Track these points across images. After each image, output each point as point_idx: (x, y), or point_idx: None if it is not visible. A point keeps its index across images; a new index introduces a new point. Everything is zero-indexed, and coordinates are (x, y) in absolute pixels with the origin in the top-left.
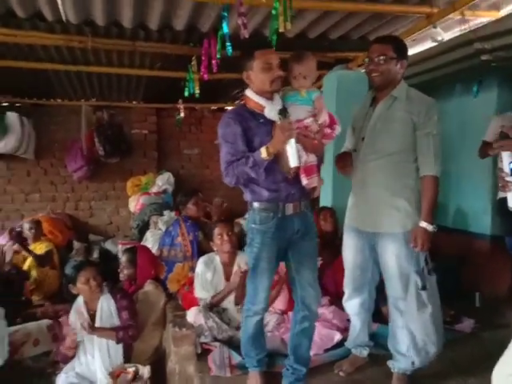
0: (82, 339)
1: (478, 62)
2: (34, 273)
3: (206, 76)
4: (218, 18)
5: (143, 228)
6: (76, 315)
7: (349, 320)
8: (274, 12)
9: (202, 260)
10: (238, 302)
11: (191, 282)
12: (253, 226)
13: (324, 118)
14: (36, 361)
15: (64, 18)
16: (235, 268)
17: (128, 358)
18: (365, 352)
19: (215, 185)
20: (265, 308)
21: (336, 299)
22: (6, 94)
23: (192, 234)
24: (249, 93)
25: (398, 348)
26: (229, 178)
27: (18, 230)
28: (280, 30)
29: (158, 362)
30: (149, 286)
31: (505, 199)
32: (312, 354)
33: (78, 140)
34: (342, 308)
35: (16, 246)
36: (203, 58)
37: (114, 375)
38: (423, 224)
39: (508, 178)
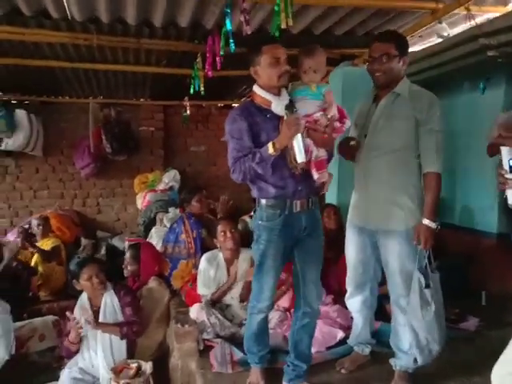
0: (86, 334)
1: (484, 58)
2: (40, 268)
3: (210, 73)
4: (221, 14)
5: (149, 225)
6: (80, 311)
7: (352, 318)
8: (276, 8)
9: (205, 257)
10: (244, 298)
11: (195, 279)
12: (260, 222)
13: (334, 111)
14: (41, 356)
15: (69, 16)
16: (240, 265)
17: (132, 353)
18: (367, 350)
19: (222, 182)
20: (270, 306)
21: (340, 297)
22: (15, 91)
23: (196, 231)
24: (256, 88)
25: (399, 346)
26: (236, 174)
27: (26, 226)
28: (282, 27)
29: (162, 358)
30: (153, 283)
31: None
32: (314, 352)
33: (85, 137)
34: (345, 306)
35: (23, 243)
36: (207, 55)
37: (117, 371)
38: (426, 221)
39: (508, 176)
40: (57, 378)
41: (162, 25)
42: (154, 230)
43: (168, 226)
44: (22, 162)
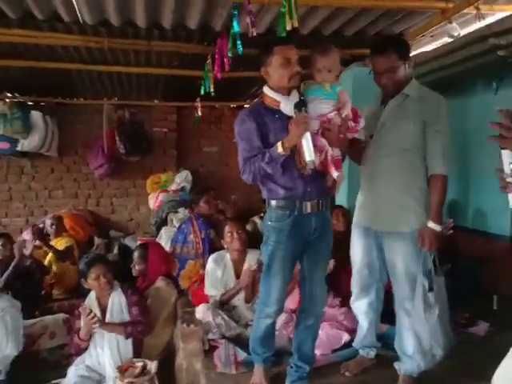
0: (94, 333)
1: (495, 58)
2: (54, 267)
3: (219, 75)
4: (229, 16)
5: (161, 225)
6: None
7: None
8: (282, 10)
9: (212, 258)
10: (249, 299)
11: (202, 279)
12: (269, 223)
13: (347, 111)
14: (52, 353)
15: (80, 19)
16: (245, 266)
17: (138, 352)
18: (372, 353)
19: (234, 183)
20: (277, 311)
21: (347, 300)
22: (31, 93)
23: (204, 232)
24: (265, 89)
25: (404, 349)
26: (246, 175)
27: (41, 225)
28: (287, 28)
29: (169, 357)
30: (160, 283)
31: None
32: (319, 354)
33: (99, 138)
34: None
35: (37, 242)
36: (216, 57)
37: (122, 369)
38: (431, 224)
39: (509, 179)
40: (65, 376)
41: (171, 27)
42: (163, 230)
43: (177, 226)
44: (38, 162)
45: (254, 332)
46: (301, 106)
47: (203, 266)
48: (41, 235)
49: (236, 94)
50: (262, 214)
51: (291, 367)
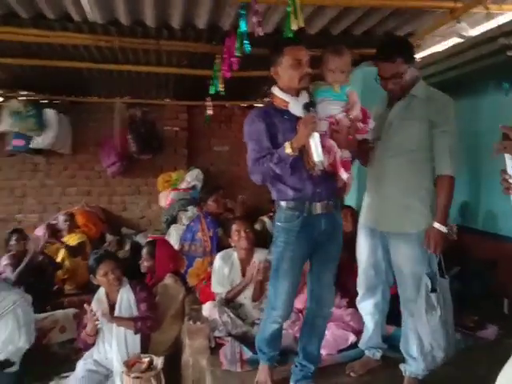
0: (102, 328)
1: (504, 59)
2: (66, 263)
3: (227, 74)
4: (237, 16)
5: (171, 223)
6: (97, 305)
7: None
8: (288, 9)
9: (219, 255)
10: (256, 298)
11: (209, 277)
12: (278, 224)
13: (356, 112)
14: (61, 347)
15: (90, 18)
16: (252, 263)
17: (145, 348)
18: (378, 354)
19: (244, 182)
20: (284, 316)
21: (354, 301)
22: (45, 91)
23: (212, 230)
24: (275, 90)
25: (409, 351)
26: (255, 176)
27: (54, 222)
28: (292, 28)
29: (176, 354)
30: (168, 280)
31: None
32: (325, 354)
33: (112, 137)
34: None
35: (50, 238)
36: (225, 56)
37: (129, 364)
38: (436, 225)
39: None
40: (74, 370)
41: (180, 26)
42: (172, 227)
43: (186, 224)
44: (52, 159)
45: (261, 333)
46: (309, 106)
47: (211, 264)
48: (53, 231)
49: (246, 93)
50: (271, 214)
51: (296, 366)
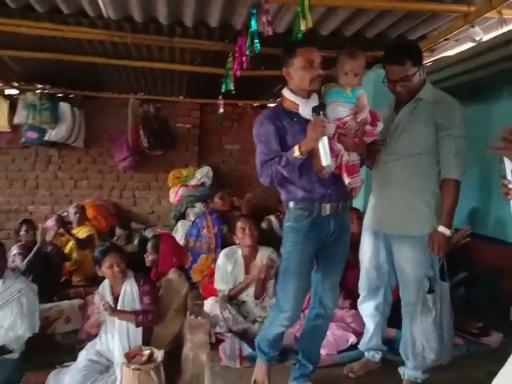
0: (105, 319)
1: None
2: (74, 255)
3: (238, 73)
4: (249, 15)
5: (180, 219)
6: (101, 297)
7: None
8: (299, 10)
9: (223, 252)
10: (258, 295)
11: (213, 273)
12: (287, 224)
13: (364, 115)
14: (66, 337)
15: (105, 14)
16: (256, 261)
17: (147, 341)
18: (377, 356)
19: (254, 180)
20: (292, 319)
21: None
22: (61, 85)
23: (217, 227)
24: (285, 92)
25: (406, 352)
26: (263, 178)
27: (65, 214)
28: (301, 28)
29: (178, 348)
30: (172, 275)
31: None
32: (325, 354)
33: (124, 132)
34: None
35: (59, 229)
36: (236, 55)
37: (129, 356)
38: (440, 228)
39: (511, 186)
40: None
41: (193, 24)
42: (179, 223)
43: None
44: (65, 152)
45: (264, 333)
46: (319, 109)
47: (215, 261)
48: (63, 223)
49: (259, 92)
50: (278, 213)
51: (295, 365)
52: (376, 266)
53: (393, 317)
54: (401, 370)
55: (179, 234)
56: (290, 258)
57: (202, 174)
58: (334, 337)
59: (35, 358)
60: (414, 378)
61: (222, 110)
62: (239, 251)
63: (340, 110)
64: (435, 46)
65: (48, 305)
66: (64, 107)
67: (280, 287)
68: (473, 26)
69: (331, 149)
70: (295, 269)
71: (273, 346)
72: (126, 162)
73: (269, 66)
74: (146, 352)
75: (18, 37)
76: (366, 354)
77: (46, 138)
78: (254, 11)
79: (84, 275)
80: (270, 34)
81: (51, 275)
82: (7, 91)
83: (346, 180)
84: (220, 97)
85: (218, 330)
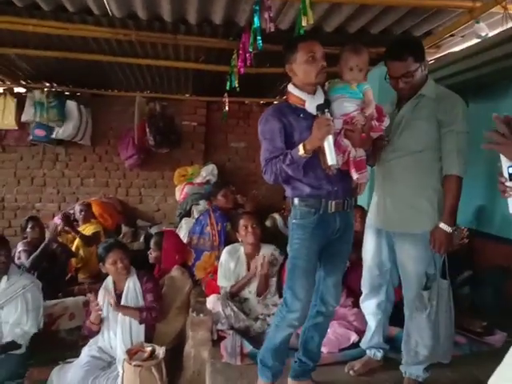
0: (108, 316)
1: None
2: (81, 252)
3: (242, 70)
4: (252, 12)
5: (185, 216)
6: (104, 293)
7: None
8: (301, 6)
9: (226, 250)
10: (260, 293)
11: (216, 271)
12: (294, 221)
13: (371, 110)
14: (70, 334)
15: (109, 12)
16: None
17: (150, 338)
18: (379, 354)
19: (260, 178)
20: (301, 319)
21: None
22: (67, 83)
23: (220, 225)
24: (290, 87)
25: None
26: (268, 175)
27: (71, 211)
28: (302, 24)
29: (180, 345)
30: (175, 272)
31: None
32: (326, 352)
33: (131, 130)
34: None
35: (65, 227)
36: (240, 52)
37: (131, 352)
38: (442, 225)
39: (508, 184)
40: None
41: (196, 22)
42: (183, 220)
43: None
44: (72, 150)
45: (269, 342)
46: (323, 107)
47: (218, 258)
48: (69, 221)
49: (264, 90)
50: (283, 211)
51: (295, 362)
52: (378, 263)
53: (395, 315)
54: (402, 368)
55: (183, 231)
56: (297, 256)
57: (208, 172)
58: (336, 335)
59: (39, 354)
60: (415, 376)
61: (226, 108)
62: (242, 249)
63: (346, 105)
64: (441, 42)
65: (53, 301)
66: (71, 105)
67: (287, 286)
68: (478, 22)
69: (338, 145)
70: (303, 266)
71: (278, 355)
72: (132, 160)
73: (274, 64)
74: (148, 349)
75: (24, 35)
76: (368, 352)
77: (53, 135)
78: (257, 8)
79: (90, 272)
80: (272, 30)
81: (57, 272)
82: (15, 89)
83: (355, 175)
84: (225, 94)
85: (219, 327)
